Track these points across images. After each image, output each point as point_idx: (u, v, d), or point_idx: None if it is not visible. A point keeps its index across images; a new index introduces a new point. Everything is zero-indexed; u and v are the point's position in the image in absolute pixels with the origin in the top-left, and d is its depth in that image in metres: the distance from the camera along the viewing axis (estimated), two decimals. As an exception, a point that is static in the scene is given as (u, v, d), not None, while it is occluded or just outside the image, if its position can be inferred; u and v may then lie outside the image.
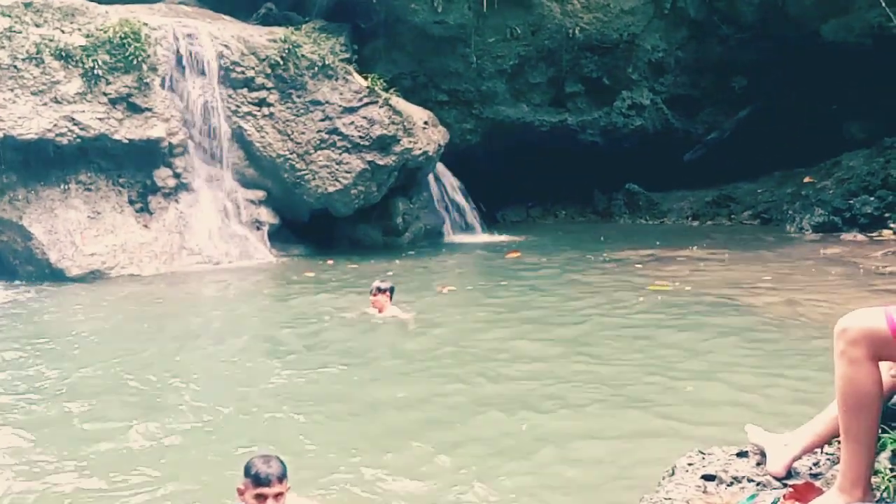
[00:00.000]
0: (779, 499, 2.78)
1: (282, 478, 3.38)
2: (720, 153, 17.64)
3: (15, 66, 11.69)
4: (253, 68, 13.51)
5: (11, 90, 11.61)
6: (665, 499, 2.99)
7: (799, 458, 3.01)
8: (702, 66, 17.44)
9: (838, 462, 2.79)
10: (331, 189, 13.85)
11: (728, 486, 3.04)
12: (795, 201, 15.61)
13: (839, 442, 2.76)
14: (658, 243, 13.69)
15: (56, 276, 11.54)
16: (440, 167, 15.99)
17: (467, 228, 16.32)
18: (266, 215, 13.68)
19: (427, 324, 8.43)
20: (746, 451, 3.29)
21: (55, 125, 11.70)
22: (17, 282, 11.58)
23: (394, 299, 8.79)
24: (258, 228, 13.56)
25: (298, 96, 13.78)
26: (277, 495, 3.37)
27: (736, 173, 17.33)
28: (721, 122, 18.08)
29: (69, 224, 11.86)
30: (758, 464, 3.15)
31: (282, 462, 3.41)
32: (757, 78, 17.22)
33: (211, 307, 10.20)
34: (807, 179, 16.23)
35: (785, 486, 2.91)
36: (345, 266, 12.24)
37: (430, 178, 15.78)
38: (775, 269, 10.83)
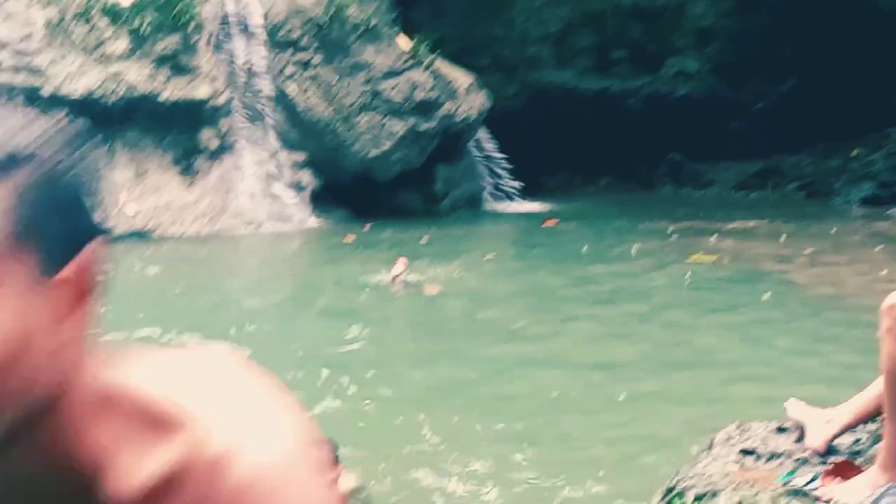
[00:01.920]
0: (818, 475, 2.78)
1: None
2: (766, 123, 17.36)
3: (63, 24, 11.80)
4: (298, 29, 13.51)
5: (60, 48, 11.72)
6: (702, 473, 2.99)
7: (840, 434, 3.00)
8: (749, 35, 17.11)
9: (880, 439, 2.78)
10: (372, 153, 13.87)
11: (767, 460, 3.03)
12: (842, 174, 15.34)
13: (882, 419, 2.75)
14: (701, 214, 13.56)
15: (101, 234, 11.70)
16: (482, 133, 15.91)
17: (507, 196, 16.24)
18: (308, 178, 13.73)
19: (463, 290, 8.45)
20: (786, 427, 3.27)
21: (102, 84, 11.82)
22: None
23: (428, 267, 8.83)
24: (300, 191, 13.62)
25: (342, 59, 13.76)
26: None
27: (782, 144, 17.04)
28: (767, 92, 17.77)
29: (114, 184, 12.03)
30: (797, 439, 3.14)
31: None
32: (805, 47, 16.86)
33: (253, 268, 10.31)
34: (854, 152, 15.93)
35: (825, 462, 2.91)
36: (383, 232, 12.28)
37: (472, 144, 15.72)
38: (820, 243, 10.68)
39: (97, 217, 0.84)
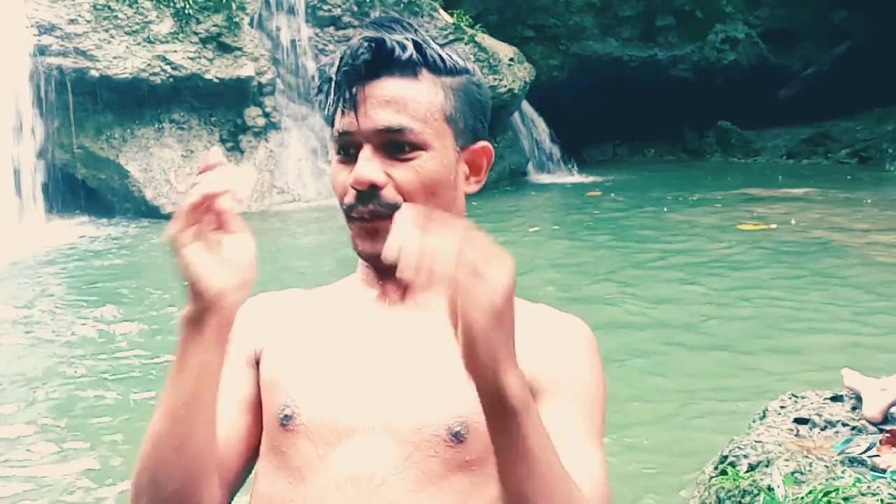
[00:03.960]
0: (875, 444, 2.76)
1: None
2: (817, 89, 17.03)
3: (109, 7, 11.92)
4: (339, 6, 13.52)
5: (106, 30, 11.85)
6: (756, 441, 2.97)
7: None
8: (800, -1, 16.78)
9: (939, 408, 2.75)
10: (416, 127, 13.85)
11: (822, 430, 3.01)
12: (896, 139, 15.03)
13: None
14: (750, 182, 13.38)
15: (152, 212, 11.90)
16: (525, 105, 15.83)
17: (552, 168, 16.18)
18: (353, 154, 13.78)
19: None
20: (841, 395, 3.25)
21: (148, 65, 11.95)
22: (114, 218, 11.99)
23: None
24: (345, 167, 13.67)
25: (384, 34, 13.73)
26: None
27: (833, 110, 16.72)
28: (819, 57, 17.42)
29: (163, 162, 12.19)
30: (853, 408, 3.11)
31: None
32: (858, 10, 16.47)
33: (304, 246, 10.40)
34: (909, 117, 15.60)
35: (881, 431, 2.88)
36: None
37: (515, 116, 15.65)
38: (873, 211, 10.51)
39: (484, 130, 1.31)
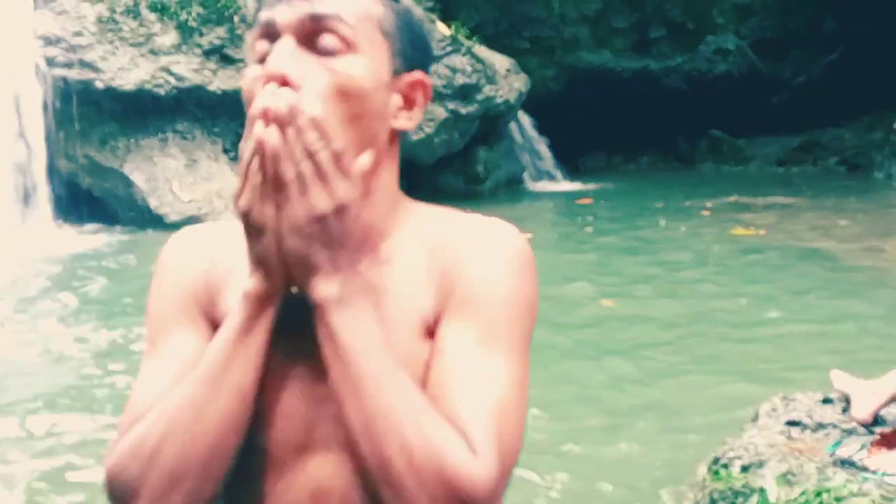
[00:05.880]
0: (866, 445, 2.84)
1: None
2: (807, 97, 17.22)
3: (113, 19, 12.08)
4: (338, 18, 13.66)
5: (111, 42, 12.00)
6: (748, 444, 3.04)
7: (886, 405, 3.05)
8: (790, 8, 16.97)
9: (924, 410, 2.86)
10: (414, 138, 13.99)
11: (813, 431, 3.09)
12: (885, 147, 15.21)
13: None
14: (741, 190, 13.53)
15: (156, 221, 12.01)
16: (521, 115, 16.00)
17: (548, 176, 16.33)
18: (353, 163, 13.90)
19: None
20: (831, 398, 3.35)
21: (152, 76, 12.09)
22: (118, 227, 12.09)
23: None
24: (345, 176, 13.77)
25: (383, 45, 13.87)
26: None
27: (823, 118, 16.91)
28: (809, 66, 17.62)
29: (167, 172, 12.32)
30: (843, 410, 3.20)
31: None
32: (848, 19, 16.68)
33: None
34: (897, 125, 15.79)
35: (871, 433, 2.97)
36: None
37: (512, 126, 15.81)
38: (862, 217, 10.66)
39: (421, 62, 1.20)
